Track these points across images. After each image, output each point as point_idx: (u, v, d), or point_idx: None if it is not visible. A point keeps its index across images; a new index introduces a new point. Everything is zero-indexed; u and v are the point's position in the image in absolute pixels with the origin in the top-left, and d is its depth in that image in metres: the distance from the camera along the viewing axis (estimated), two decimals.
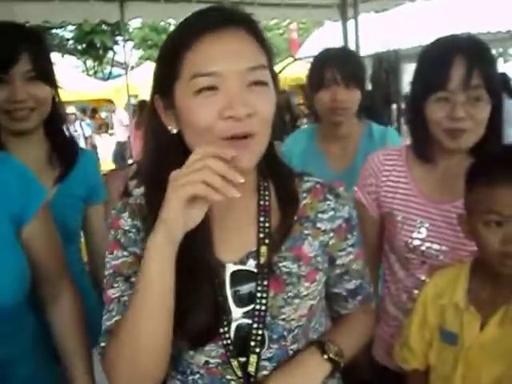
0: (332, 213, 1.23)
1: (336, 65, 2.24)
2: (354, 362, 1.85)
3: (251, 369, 1.15)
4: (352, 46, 5.83)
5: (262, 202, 1.20)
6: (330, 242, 1.23)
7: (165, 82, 1.10)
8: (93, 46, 28.24)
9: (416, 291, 1.63)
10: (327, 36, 10.07)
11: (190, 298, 1.09)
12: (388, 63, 5.25)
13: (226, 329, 1.14)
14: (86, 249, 2.06)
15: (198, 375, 1.20)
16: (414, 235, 1.67)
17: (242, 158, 1.05)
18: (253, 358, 1.15)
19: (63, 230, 1.72)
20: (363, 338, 1.37)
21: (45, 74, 1.76)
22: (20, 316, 1.46)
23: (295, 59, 9.83)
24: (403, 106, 6.34)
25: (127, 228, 1.19)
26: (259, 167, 1.19)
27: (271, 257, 1.16)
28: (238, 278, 1.16)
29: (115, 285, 1.18)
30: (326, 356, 1.19)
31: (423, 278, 1.67)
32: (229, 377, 1.17)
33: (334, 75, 2.23)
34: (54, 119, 1.87)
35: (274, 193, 1.23)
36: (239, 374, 1.15)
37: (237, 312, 1.15)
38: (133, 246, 1.19)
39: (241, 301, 1.15)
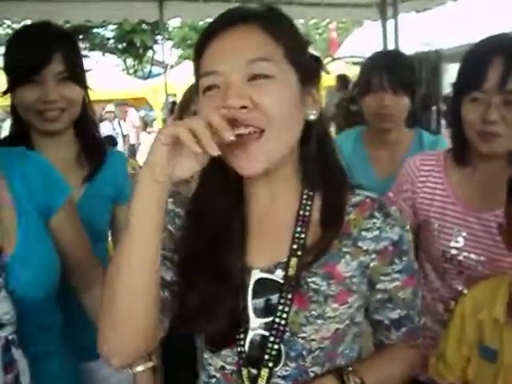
0: (377, 232, 1.13)
1: (384, 70, 2.17)
2: None
3: (261, 383, 1.10)
4: (391, 46, 5.73)
5: (301, 212, 1.14)
6: (372, 264, 1.14)
7: (196, 84, 1.11)
8: (133, 45, 28.60)
9: (453, 302, 1.57)
10: (367, 35, 9.95)
11: (211, 300, 1.07)
12: (428, 64, 5.13)
13: (242, 336, 1.11)
14: (113, 248, 2.06)
15: (214, 379, 1.17)
16: (452, 244, 1.61)
17: (245, 161, 1.03)
18: (264, 372, 1.10)
19: (91, 229, 1.74)
20: (399, 374, 1.26)
21: (76, 75, 1.77)
22: (52, 309, 1.48)
23: (333, 59, 9.75)
24: (443, 107, 6.21)
25: (168, 210, 1.17)
26: (308, 174, 1.14)
27: (300, 270, 1.10)
28: (263, 286, 1.12)
29: None
30: None
31: (460, 288, 1.61)
32: None
33: (381, 81, 2.16)
34: (84, 120, 1.88)
35: (320, 204, 1.15)
36: None
37: (255, 322, 1.11)
38: (169, 224, 1.18)
39: (261, 311, 1.11)
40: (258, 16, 1.07)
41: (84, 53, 29.33)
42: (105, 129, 12.92)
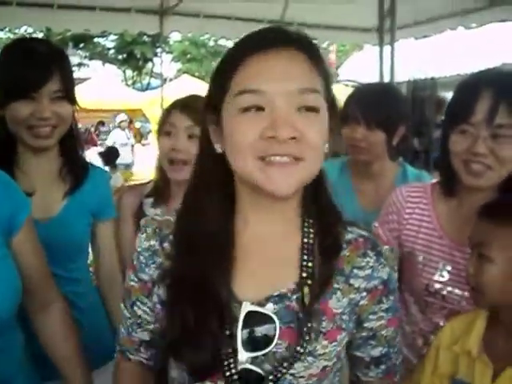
0: (369, 271, 1.12)
1: (361, 103, 2.16)
2: None
3: None
4: (387, 72, 5.76)
5: (305, 240, 1.11)
6: (361, 302, 1.12)
7: (215, 98, 1.07)
8: (133, 56, 28.75)
9: (432, 336, 1.55)
10: (366, 59, 10.01)
11: (195, 330, 1.04)
12: (423, 91, 5.15)
13: (231, 367, 1.05)
14: (93, 264, 2.04)
15: None
16: (436, 278, 1.59)
17: (278, 180, 0.99)
18: None
19: (71, 243, 1.77)
20: None
21: (69, 94, 1.79)
22: (11, 329, 1.43)
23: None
24: (436, 135, 6.24)
25: (140, 250, 1.16)
26: (306, 205, 1.13)
27: (313, 299, 1.07)
28: (253, 319, 1.06)
29: (125, 304, 1.21)
30: None
31: (441, 323, 1.58)
32: None
33: (355, 113, 2.15)
34: (70, 136, 1.89)
35: (318, 233, 1.12)
36: None
37: (244, 355, 1.05)
38: (141, 271, 1.16)
39: (250, 344, 1.06)
40: (301, 42, 1.04)
41: (84, 61, 29.55)
42: (118, 137, 12.91)
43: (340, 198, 2.19)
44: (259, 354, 1.05)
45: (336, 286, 1.10)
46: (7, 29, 14.66)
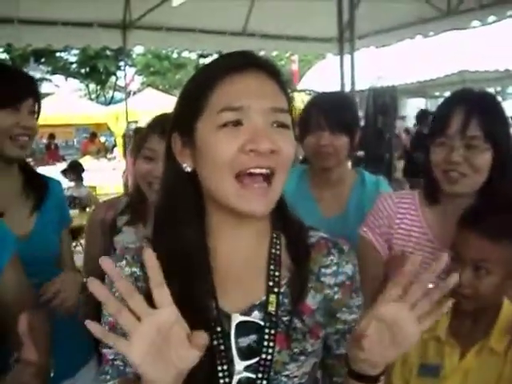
0: (335, 268, 1.17)
1: (322, 110, 2.22)
2: None
3: None
4: (348, 81, 5.89)
5: (273, 251, 1.16)
6: (336, 297, 1.17)
7: (187, 119, 1.08)
8: (96, 70, 28.54)
9: None
10: (328, 69, 10.16)
11: None
12: (383, 98, 5.28)
13: (227, 380, 1.07)
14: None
15: None
16: None
17: (254, 202, 1.03)
18: None
19: (47, 255, 1.85)
20: None
21: (39, 113, 1.92)
22: None
23: (294, 90, 9.92)
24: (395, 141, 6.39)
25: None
26: (272, 217, 1.17)
27: (279, 307, 1.11)
28: (243, 329, 1.09)
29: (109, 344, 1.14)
30: None
31: None
32: None
33: (318, 120, 2.20)
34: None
35: (285, 244, 1.18)
36: None
37: (240, 365, 1.08)
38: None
39: (244, 353, 1.09)
40: (270, 67, 1.10)
41: (46, 76, 29.20)
42: None
43: (300, 206, 2.24)
44: (254, 361, 1.09)
45: (309, 285, 1.15)
46: None
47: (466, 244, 1.47)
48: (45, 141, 16.99)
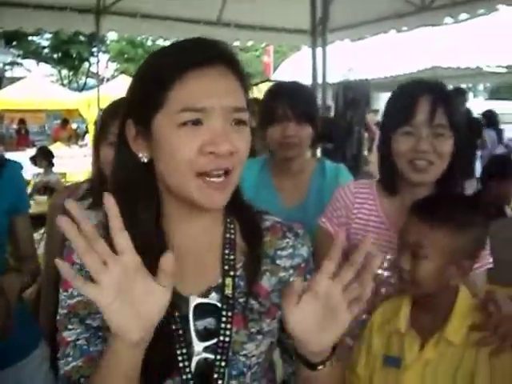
0: (291, 250, 1.22)
1: (287, 100, 2.23)
2: None
3: None
4: (320, 73, 5.94)
5: (227, 235, 1.19)
6: (291, 279, 1.20)
7: (143, 111, 1.07)
8: (69, 55, 28.13)
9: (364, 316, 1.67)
10: (302, 61, 10.18)
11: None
12: (354, 91, 5.30)
13: (186, 363, 1.10)
14: (12, 257, 2.02)
15: None
16: (384, 266, 1.71)
17: (213, 196, 1.05)
18: None
19: None
20: None
21: None
22: None
23: (267, 80, 9.88)
24: (366, 134, 6.44)
25: (81, 263, 1.09)
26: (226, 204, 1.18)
27: (236, 289, 1.14)
28: (201, 311, 1.13)
29: (70, 326, 1.12)
30: None
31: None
32: None
33: (284, 111, 2.21)
34: None
35: (240, 229, 1.21)
36: None
37: (199, 346, 1.12)
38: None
39: (202, 335, 1.12)
40: (229, 58, 1.09)
41: (17, 60, 28.66)
42: None
43: (261, 195, 2.33)
44: (212, 342, 1.12)
45: (264, 268, 1.19)
46: None
47: (406, 228, 1.51)
48: (15, 126, 16.74)
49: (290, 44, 9.88)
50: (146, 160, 1.09)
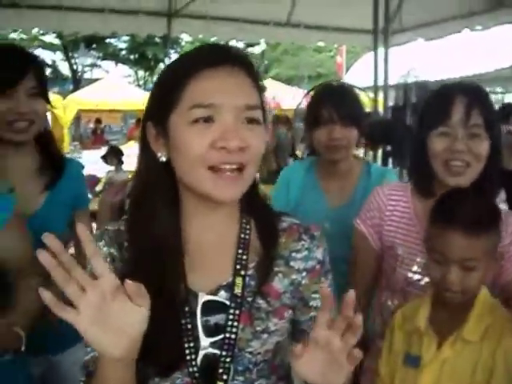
0: (306, 253, 1.22)
1: (333, 103, 2.23)
2: None
3: None
4: (389, 74, 5.85)
5: (242, 235, 1.21)
6: (303, 282, 1.22)
7: (161, 111, 1.12)
8: (145, 57, 28.90)
9: None
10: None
11: (158, 327, 1.07)
12: (415, 93, 5.15)
13: (193, 356, 1.14)
14: (75, 251, 2.10)
15: None
16: (414, 269, 1.71)
17: (227, 189, 1.08)
18: None
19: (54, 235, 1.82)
20: None
21: (44, 92, 1.92)
22: None
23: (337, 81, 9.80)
24: None
25: (102, 257, 1.17)
26: (242, 203, 1.22)
27: (245, 288, 1.17)
28: (209, 308, 1.16)
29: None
30: None
31: None
32: None
33: (330, 114, 2.22)
34: (45, 133, 2.01)
35: (255, 229, 1.23)
36: None
37: (205, 341, 1.15)
38: None
39: (209, 331, 1.16)
40: (243, 61, 1.14)
41: (97, 62, 29.69)
42: None
43: (308, 196, 2.36)
44: (219, 338, 1.15)
45: (277, 269, 1.20)
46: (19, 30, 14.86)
47: (451, 245, 1.45)
48: (92, 125, 17.33)
49: (361, 45, 9.72)
50: (164, 159, 1.15)
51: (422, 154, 1.67)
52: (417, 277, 1.69)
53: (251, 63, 1.15)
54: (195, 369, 1.14)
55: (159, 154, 1.15)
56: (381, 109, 6.20)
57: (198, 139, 1.06)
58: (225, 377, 1.15)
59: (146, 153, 1.17)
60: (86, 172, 2.27)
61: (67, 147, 14.12)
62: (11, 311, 1.55)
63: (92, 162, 6.99)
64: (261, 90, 1.16)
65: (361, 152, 5.42)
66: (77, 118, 17.27)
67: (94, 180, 6.53)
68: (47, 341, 1.85)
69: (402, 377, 1.55)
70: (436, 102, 1.70)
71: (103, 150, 8.97)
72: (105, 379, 1.03)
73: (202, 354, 1.15)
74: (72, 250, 2.14)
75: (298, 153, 8.05)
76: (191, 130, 1.07)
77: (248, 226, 1.22)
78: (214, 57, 1.11)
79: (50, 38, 26.24)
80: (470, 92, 1.64)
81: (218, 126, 1.07)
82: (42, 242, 1.80)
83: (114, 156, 7.20)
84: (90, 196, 2.51)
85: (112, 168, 7.16)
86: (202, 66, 1.09)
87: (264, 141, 1.14)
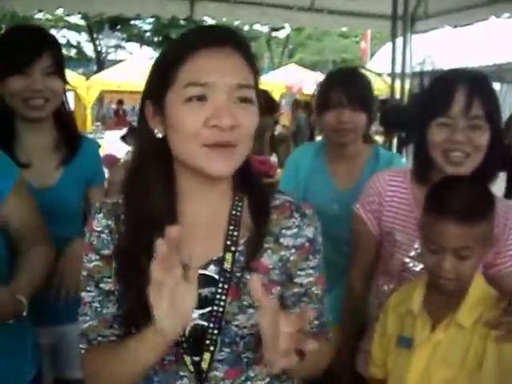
0: (296, 230, 1.26)
1: (343, 87, 2.26)
2: (338, 375, 1.89)
3: (204, 365, 1.21)
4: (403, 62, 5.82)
5: (233, 212, 1.26)
6: (291, 258, 1.26)
7: (158, 89, 1.17)
8: (169, 38, 28.82)
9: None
10: (399, 48, 9.94)
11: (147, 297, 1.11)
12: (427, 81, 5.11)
13: None
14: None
15: (152, 371, 1.26)
16: (411, 254, 1.74)
17: (220, 163, 1.13)
18: (206, 356, 1.21)
19: (66, 211, 1.98)
20: (322, 360, 1.33)
21: (61, 71, 1.98)
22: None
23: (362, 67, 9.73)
24: None
25: (100, 229, 1.26)
26: (235, 180, 1.26)
27: (235, 264, 1.21)
28: (199, 281, 1.15)
29: (88, 288, 1.26)
30: None
31: None
32: (182, 373, 1.24)
33: (339, 97, 2.25)
34: (62, 111, 2.08)
35: (248, 206, 1.28)
36: (192, 369, 1.22)
37: (194, 313, 1.18)
38: (105, 248, 1.25)
39: (198, 303, 1.16)
40: (238, 42, 1.18)
41: (121, 43, 29.69)
42: None
43: (315, 179, 2.40)
44: (207, 310, 1.21)
45: (266, 245, 1.25)
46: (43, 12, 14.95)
47: (444, 234, 1.46)
48: (114, 106, 17.42)
49: (385, 31, 9.61)
50: (160, 135, 1.19)
51: (422, 142, 1.68)
52: (413, 263, 1.72)
53: (247, 45, 1.20)
54: (183, 339, 1.20)
55: (156, 131, 1.20)
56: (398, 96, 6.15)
57: (192, 117, 1.11)
58: (211, 348, 1.21)
59: (143, 130, 1.22)
60: (107, 152, 2.33)
61: (90, 127, 14.25)
62: (14, 279, 1.59)
63: (113, 143, 7.06)
64: (256, 71, 1.20)
65: (380, 139, 5.44)
66: (99, 99, 17.39)
67: (114, 160, 6.60)
68: (54, 312, 1.92)
69: (395, 358, 1.58)
70: (437, 92, 1.69)
71: (124, 131, 9.06)
72: (132, 359, 1.12)
73: (190, 324, 1.20)
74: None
75: (318, 138, 8.05)
76: (185, 107, 1.12)
77: (240, 204, 1.27)
78: (211, 37, 1.15)
79: (75, 19, 26.32)
80: (472, 81, 1.62)
81: (211, 104, 1.11)
82: (56, 215, 1.87)
83: (132, 136, 7.25)
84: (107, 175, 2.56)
85: (130, 148, 7.21)
86: (199, 45, 1.13)
87: (256, 120, 1.18)
